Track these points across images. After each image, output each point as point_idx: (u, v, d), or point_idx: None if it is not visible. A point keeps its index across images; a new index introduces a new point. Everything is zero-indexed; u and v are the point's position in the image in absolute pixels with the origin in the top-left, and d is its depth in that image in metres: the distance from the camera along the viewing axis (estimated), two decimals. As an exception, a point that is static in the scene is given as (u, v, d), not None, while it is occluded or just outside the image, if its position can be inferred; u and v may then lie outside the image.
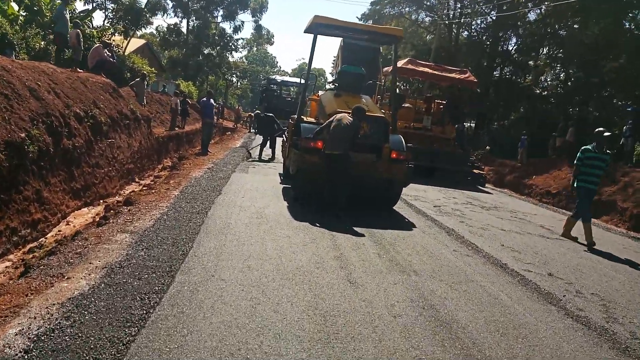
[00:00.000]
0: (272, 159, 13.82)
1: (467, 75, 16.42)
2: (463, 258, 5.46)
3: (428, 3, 32.45)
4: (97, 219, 6.07)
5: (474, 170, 15.91)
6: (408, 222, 7.12)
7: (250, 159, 13.13)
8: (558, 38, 24.39)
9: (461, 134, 16.38)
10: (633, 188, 12.26)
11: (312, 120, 8.06)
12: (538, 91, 27.81)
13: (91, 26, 18.28)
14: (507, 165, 18.60)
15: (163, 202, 6.42)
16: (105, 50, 11.45)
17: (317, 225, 6.07)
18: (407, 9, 33.42)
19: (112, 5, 22.52)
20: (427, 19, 34.06)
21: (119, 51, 17.88)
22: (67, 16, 11.13)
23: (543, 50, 27.57)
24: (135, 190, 8.68)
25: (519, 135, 19.62)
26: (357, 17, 35.65)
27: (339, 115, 6.67)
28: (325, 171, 6.64)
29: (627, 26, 19.39)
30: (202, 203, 6.63)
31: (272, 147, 14.27)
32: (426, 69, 16.36)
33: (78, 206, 7.07)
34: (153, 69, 24.84)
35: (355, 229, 6.05)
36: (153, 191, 7.66)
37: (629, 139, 14.02)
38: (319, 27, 7.60)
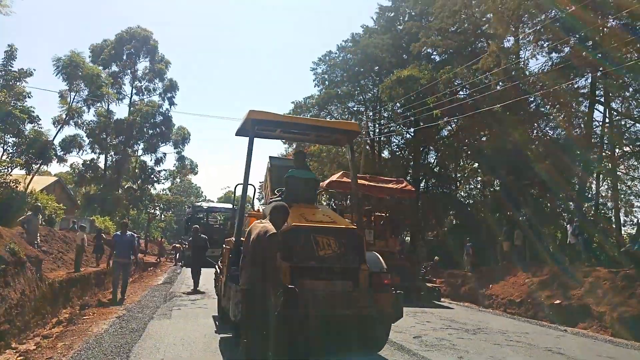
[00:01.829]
0: (195, 290, 12.39)
1: (404, 184, 15.88)
2: None
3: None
4: None
5: (428, 284, 14.71)
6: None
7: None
8: (475, 148, 25.45)
9: (404, 247, 15.44)
10: (602, 289, 11.37)
11: None
12: (466, 200, 28.46)
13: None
14: (456, 276, 17.50)
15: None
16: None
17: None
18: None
19: (13, 139, 20.31)
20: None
21: (6, 181, 15.34)
22: None
23: (461, 162, 28.71)
24: (4, 363, 6.12)
25: (459, 244, 19.01)
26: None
27: (258, 226, 4.47)
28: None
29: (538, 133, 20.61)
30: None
31: (197, 276, 12.80)
32: (363, 181, 15.60)
33: None
34: (61, 204, 22.19)
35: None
36: (27, 364, 5.28)
37: (579, 237, 13.59)
38: (255, 124, 6.02)
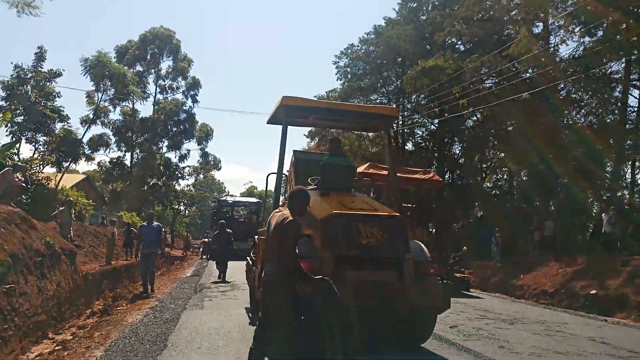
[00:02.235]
0: (223, 280, 12.84)
1: (431, 174, 15.60)
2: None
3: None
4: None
5: (456, 275, 14.48)
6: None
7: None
8: (502, 137, 24.87)
9: (431, 238, 15.21)
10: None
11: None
12: (493, 191, 27.92)
13: (16, 159, 16.30)
14: (485, 267, 17.18)
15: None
16: (17, 174, 9.37)
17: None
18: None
19: (44, 137, 20.75)
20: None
21: (38, 179, 15.59)
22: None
23: (487, 152, 28.11)
24: (44, 352, 6.21)
25: (487, 235, 18.63)
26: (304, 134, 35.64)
27: (277, 215, 4.16)
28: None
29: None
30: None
31: (224, 267, 13.25)
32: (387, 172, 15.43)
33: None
34: (90, 200, 22.64)
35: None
36: (67, 353, 5.34)
37: (616, 226, 13.14)
38: (288, 111, 5.85)
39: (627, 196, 17.46)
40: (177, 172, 45.14)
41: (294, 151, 11.28)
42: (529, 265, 14.99)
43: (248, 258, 8.48)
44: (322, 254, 4.68)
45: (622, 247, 13.12)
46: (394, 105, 31.41)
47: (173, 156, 44.46)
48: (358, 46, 30.92)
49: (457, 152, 29.82)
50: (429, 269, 5.09)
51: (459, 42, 26.44)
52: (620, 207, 13.31)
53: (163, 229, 11.49)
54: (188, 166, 47.82)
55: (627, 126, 17.44)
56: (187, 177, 49.22)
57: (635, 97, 18.11)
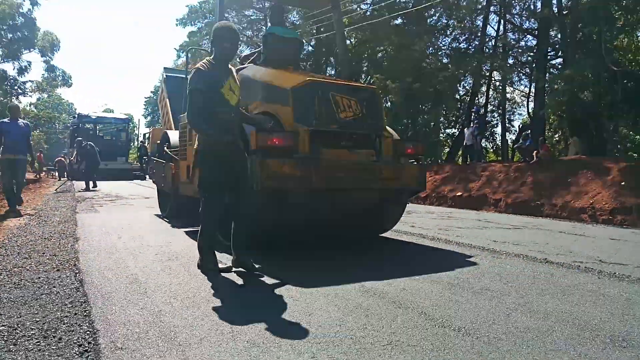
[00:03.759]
0: (94, 187, 13.77)
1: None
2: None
3: None
4: None
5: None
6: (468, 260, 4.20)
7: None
8: (376, 61, 25.93)
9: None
10: (497, 181, 12.82)
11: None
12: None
13: None
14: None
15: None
16: None
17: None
18: None
19: None
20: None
21: None
22: None
23: (362, 75, 29.25)
24: None
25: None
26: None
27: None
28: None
29: None
30: (58, 254, 3.88)
31: (94, 178, 14.29)
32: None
33: None
34: None
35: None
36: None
37: (477, 138, 14.86)
38: None
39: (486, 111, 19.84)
40: (16, 87, 38.90)
41: (165, 68, 10.34)
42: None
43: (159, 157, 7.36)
44: (296, 128, 4.03)
45: (480, 156, 14.95)
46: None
47: (10, 68, 37.95)
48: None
49: (332, 74, 30.43)
50: (407, 148, 4.67)
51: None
52: (481, 121, 14.98)
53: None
54: (30, 81, 41.38)
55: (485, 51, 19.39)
56: (29, 93, 42.77)
57: (493, 27, 20.15)
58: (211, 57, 3.45)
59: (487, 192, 12.66)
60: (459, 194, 13.21)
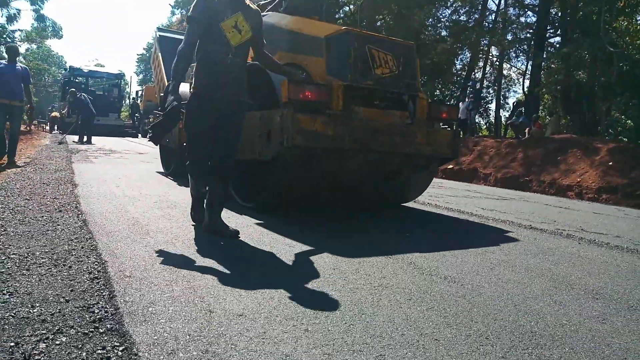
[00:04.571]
0: (88, 141, 13.44)
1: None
2: None
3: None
4: None
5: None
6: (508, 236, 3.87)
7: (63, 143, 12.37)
8: (376, 28, 25.61)
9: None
10: (488, 155, 12.99)
11: None
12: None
13: None
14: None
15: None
16: None
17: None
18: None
19: None
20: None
21: None
22: None
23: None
24: None
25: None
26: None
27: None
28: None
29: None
30: (59, 197, 3.96)
31: (89, 131, 13.84)
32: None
33: None
34: None
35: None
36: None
37: (472, 112, 14.95)
38: None
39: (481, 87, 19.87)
40: (5, 36, 37.81)
41: (158, 28, 10.20)
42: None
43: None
44: (328, 82, 3.65)
45: (473, 130, 15.08)
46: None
47: (-1, 16, 36.79)
48: None
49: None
50: (442, 112, 4.28)
51: None
52: (476, 96, 15.04)
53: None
54: (19, 30, 40.25)
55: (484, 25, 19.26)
56: (18, 43, 41.63)
57: (494, 1, 19.94)
58: None
59: (477, 166, 12.86)
60: (450, 166, 13.39)
